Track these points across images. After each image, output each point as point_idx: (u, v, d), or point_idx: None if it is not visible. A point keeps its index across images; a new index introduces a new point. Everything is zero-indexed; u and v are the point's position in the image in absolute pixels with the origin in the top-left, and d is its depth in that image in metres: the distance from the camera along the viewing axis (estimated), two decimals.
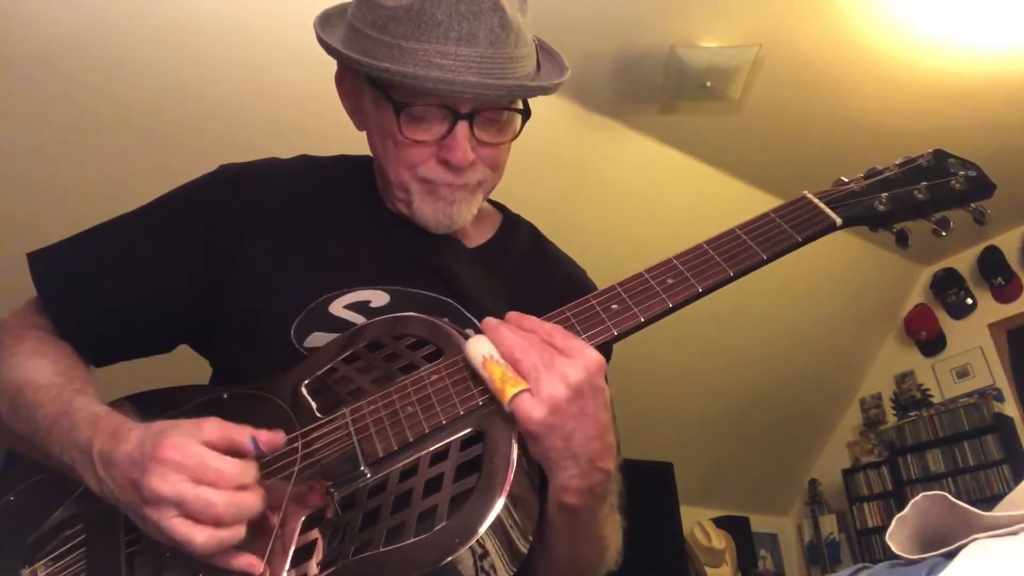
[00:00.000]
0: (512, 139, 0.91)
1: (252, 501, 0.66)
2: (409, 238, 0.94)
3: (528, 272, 1.01)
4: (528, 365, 0.70)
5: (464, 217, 0.91)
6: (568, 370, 0.69)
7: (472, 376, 0.74)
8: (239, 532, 0.66)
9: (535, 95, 0.88)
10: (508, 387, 0.69)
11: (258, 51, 2.72)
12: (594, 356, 0.71)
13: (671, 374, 4.34)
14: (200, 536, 0.64)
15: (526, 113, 0.90)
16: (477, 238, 1.01)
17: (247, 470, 0.67)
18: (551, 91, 0.89)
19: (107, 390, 0.84)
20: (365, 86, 0.89)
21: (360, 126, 0.95)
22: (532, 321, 0.74)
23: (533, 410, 0.68)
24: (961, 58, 3.27)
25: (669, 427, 4.55)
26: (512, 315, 0.75)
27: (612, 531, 0.84)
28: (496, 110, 0.87)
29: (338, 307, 0.87)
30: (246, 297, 0.89)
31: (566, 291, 0.95)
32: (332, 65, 0.93)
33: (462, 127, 0.84)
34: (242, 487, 0.65)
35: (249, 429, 0.69)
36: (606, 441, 0.73)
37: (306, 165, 1.02)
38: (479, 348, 0.72)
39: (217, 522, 0.64)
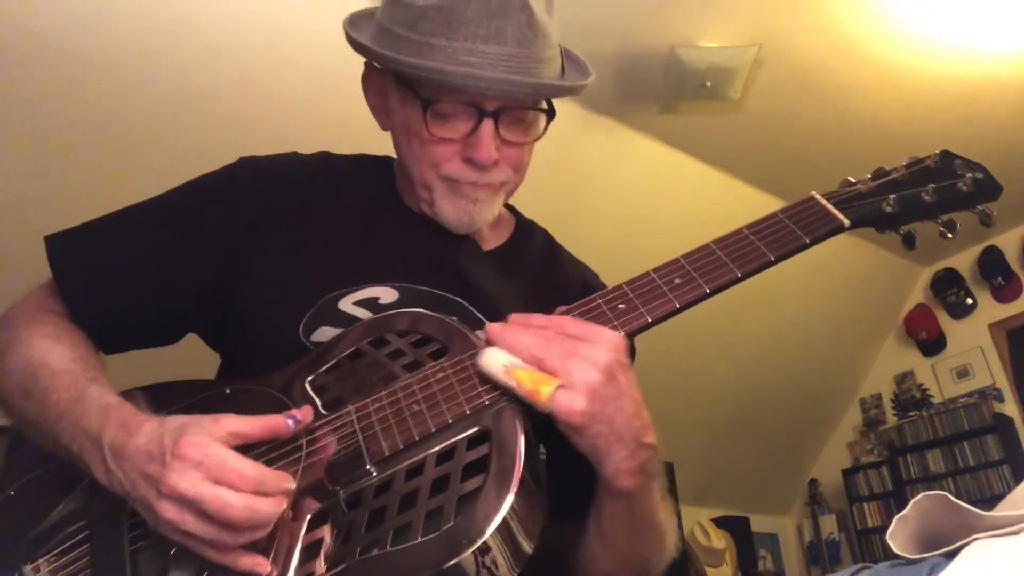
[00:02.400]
0: (536, 139, 0.91)
1: (269, 508, 0.65)
2: (425, 237, 0.94)
3: (543, 277, 1.01)
4: (553, 360, 0.69)
5: (485, 217, 0.91)
6: (594, 354, 0.69)
7: (479, 375, 0.73)
8: (263, 533, 0.66)
9: (562, 95, 0.89)
10: (541, 387, 0.68)
11: (261, 51, 2.72)
12: (614, 335, 0.71)
13: (671, 374, 4.34)
14: (226, 536, 0.64)
15: (551, 113, 0.90)
16: (492, 241, 1.01)
17: (269, 477, 0.66)
18: (577, 92, 0.89)
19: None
20: (392, 85, 0.90)
21: (385, 125, 0.95)
22: (538, 318, 0.74)
23: (574, 402, 0.68)
24: (960, 59, 3.28)
25: (669, 427, 4.54)
26: (514, 316, 0.75)
27: (667, 515, 0.83)
28: (521, 109, 0.87)
29: (347, 303, 0.87)
30: (258, 290, 0.89)
31: (581, 297, 0.95)
32: (340, 68, 0.93)
33: (487, 125, 0.84)
34: (261, 492, 0.65)
35: (276, 416, 0.70)
36: (644, 417, 0.73)
37: (325, 161, 1.02)
38: (495, 359, 0.71)
39: (231, 525, 0.63)
